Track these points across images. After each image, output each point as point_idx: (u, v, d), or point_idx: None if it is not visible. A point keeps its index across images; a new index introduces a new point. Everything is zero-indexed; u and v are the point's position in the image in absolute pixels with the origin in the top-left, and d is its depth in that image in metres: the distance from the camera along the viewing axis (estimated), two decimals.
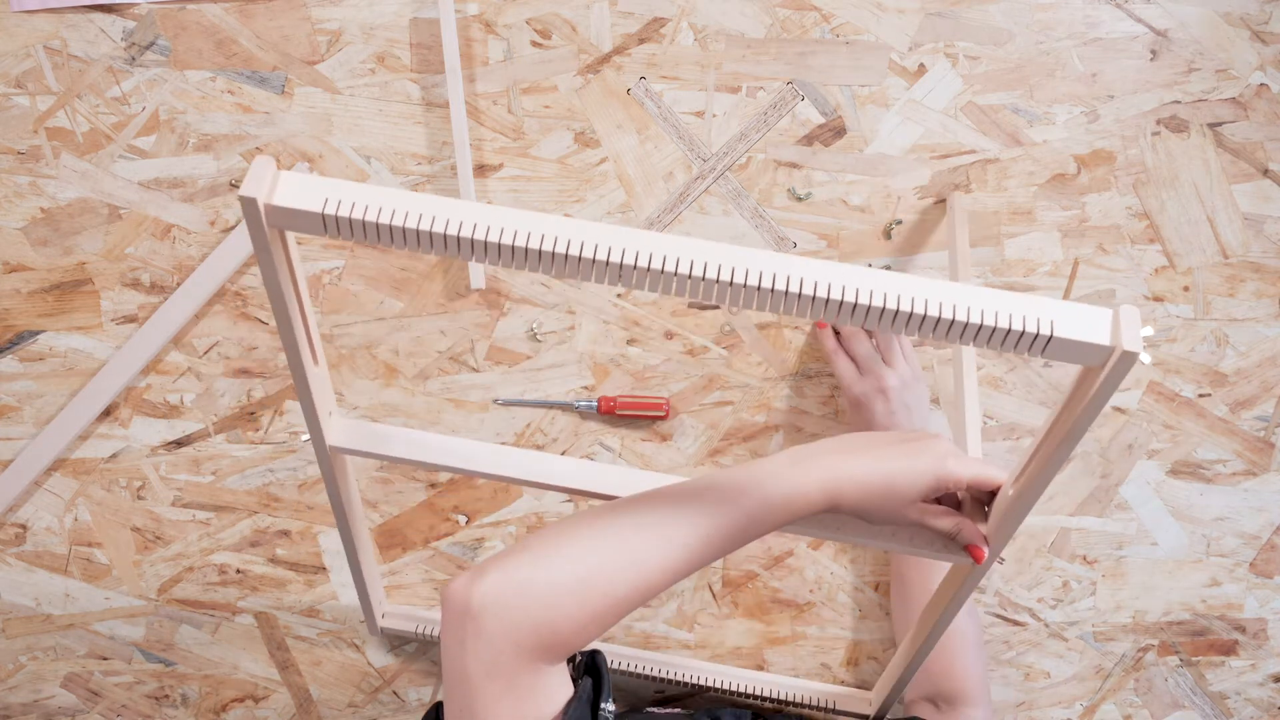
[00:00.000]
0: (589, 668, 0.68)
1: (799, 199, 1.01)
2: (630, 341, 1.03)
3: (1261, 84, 0.98)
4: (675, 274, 0.56)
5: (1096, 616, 1.07)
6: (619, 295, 1.02)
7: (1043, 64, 0.98)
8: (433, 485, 1.05)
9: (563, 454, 1.04)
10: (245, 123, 1.00)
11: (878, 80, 0.98)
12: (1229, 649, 1.07)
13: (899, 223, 1.01)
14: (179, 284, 1.02)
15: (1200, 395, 1.03)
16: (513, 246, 0.56)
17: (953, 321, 0.55)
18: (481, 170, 1.00)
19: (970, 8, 0.97)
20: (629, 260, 0.56)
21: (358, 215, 0.57)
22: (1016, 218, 1.00)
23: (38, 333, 1.04)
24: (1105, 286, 1.01)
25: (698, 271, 0.56)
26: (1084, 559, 1.06)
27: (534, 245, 0.56)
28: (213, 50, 0.99)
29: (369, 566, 0.95)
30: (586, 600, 0.63)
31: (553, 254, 0.56)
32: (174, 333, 1.03)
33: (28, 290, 1.03)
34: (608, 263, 0.56)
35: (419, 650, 1.09)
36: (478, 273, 1.01)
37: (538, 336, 1.03)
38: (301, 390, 0.72)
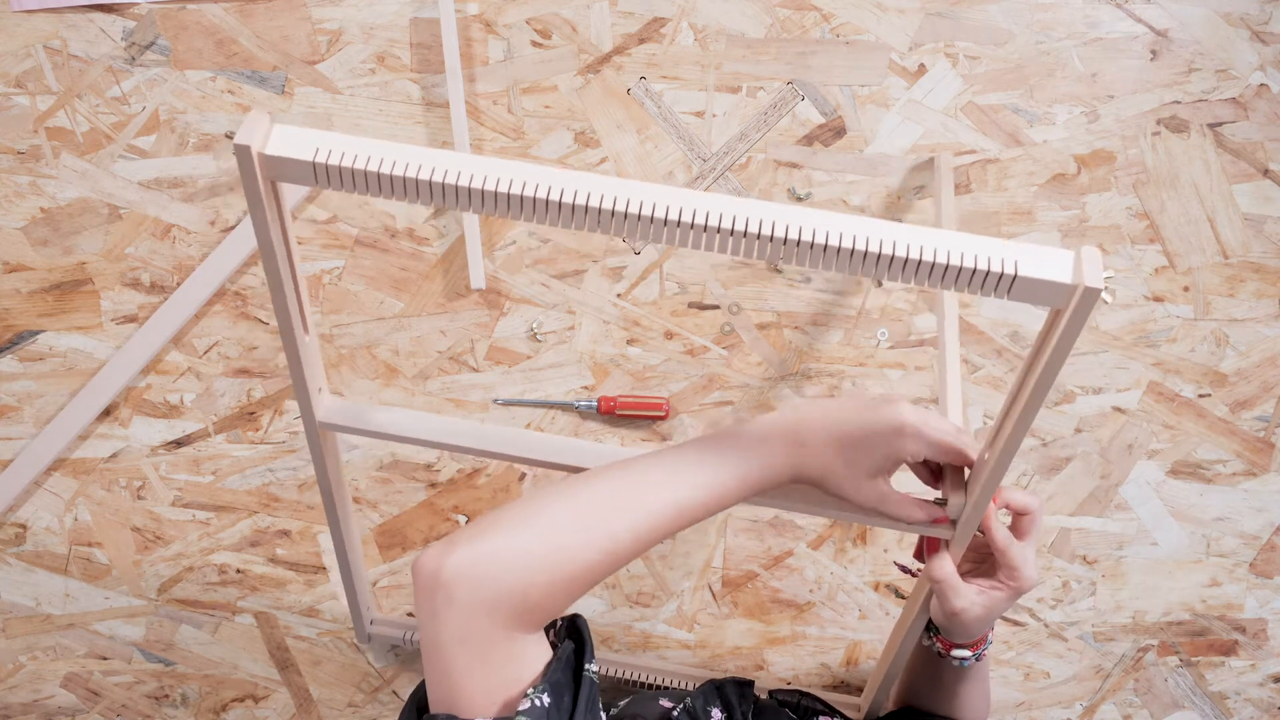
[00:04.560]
0: (570, 632, 0.68)
1: (799, 199, 1.01)
2: (630, 341, 1.03)
3: (1261, 84, 0.98)
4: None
5: (1096, 616, 1.07)
6: (619, 295, 1.02)
7: (1043, 64, 0.98)
8: (433, 485, 1.05)
9: None
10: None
11: (878, 80, 0.98)
12: (1229, 649, 1.07)
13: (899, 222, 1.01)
14: (179, 284, 1.02)
15: (1200, 395, 1.03)
16: (493, 193, 0.57)
17: (920, 262, 0.56)
18: None
19: (970, 8, 0.97)
20: (610, 206, 0.57)
21: (348, 164, 0.57)
22: (1016, 218, 1.00)
23: (38, 333, 1.04)
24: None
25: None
26: (1084, 559, 1.06)
27: (516, 191, 0.57)
28: (213, 50, 0.99)
29: (358, 568, 0.95)
30: (557, 567, 0.63)
31: (534, 200, 0.57)
32: (174, 333, 1.03)
33: (28, 290, 1.03)
34: (586, 208, 0.57)
35: (419, 650, 1.09)
36: (478, 273, 1.01)
37: (538, 336, 1.03)
38: (292, 360, 0.71)
